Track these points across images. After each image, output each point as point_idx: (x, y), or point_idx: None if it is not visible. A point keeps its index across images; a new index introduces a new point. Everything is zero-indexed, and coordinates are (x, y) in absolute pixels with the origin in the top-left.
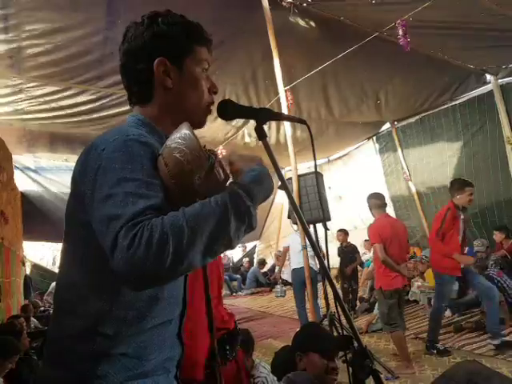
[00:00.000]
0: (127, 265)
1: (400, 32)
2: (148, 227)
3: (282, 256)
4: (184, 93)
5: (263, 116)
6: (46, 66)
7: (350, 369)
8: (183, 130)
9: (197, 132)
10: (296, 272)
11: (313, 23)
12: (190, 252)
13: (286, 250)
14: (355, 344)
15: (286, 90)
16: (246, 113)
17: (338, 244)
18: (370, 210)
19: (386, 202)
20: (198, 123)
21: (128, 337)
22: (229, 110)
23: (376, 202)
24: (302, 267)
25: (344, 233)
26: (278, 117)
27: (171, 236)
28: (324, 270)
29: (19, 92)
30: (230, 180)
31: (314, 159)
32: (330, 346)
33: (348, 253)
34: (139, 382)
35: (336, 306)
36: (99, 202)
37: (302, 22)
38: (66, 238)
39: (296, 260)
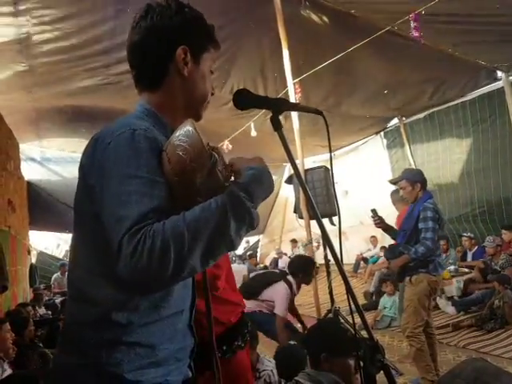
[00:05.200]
0: (130, 273)
1: (412, 25)
2: (150, 234)
3: None
4: (195, 84)
5: (279, 106)
6: (54, 53)
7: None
8: (187, 127)
9: (203, 127)
10: None
11: (325, 18)
12: (192, 258)
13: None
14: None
15: (294, 83)
16: (261, 102)
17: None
18: (394, 204)
19: None
20: (197, 116)
21: (141, 326)
22: (244, 99)
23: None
24: None
25: None
26: (294, 107)
27: (172, 243)
28: (338, 265)
29: (28, 72)
30: (232, 179)
31: (330, 151)
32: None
33: None
34: (151, 370)
35: (349, 301)
36: (106, 199)
37: (314, 16)
38: (76, 227)
39: None
